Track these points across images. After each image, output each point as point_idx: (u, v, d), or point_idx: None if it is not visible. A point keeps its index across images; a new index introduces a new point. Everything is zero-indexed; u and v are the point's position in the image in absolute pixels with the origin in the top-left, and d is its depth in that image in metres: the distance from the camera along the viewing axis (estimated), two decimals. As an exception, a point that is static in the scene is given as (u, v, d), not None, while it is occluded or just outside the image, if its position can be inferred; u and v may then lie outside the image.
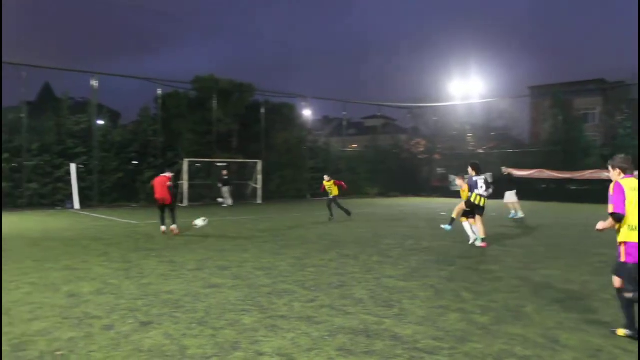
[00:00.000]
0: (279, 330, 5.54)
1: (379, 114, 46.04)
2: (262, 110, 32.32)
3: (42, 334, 5.43)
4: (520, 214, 18.37)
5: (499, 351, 4.94)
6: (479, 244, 11.84)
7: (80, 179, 25.48)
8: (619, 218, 5.25)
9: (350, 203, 22.23)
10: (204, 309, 6.39)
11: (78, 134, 26.52)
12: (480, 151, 37.47)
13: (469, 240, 12.25)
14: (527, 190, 30.28)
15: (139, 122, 30.11)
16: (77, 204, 24.82)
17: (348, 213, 18.48)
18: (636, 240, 5.16)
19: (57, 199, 25.21)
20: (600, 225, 5.52)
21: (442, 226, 12.40)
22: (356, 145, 45.88)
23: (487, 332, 5.50)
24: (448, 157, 38.76)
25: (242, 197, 30.49)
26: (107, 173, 26.84)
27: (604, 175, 24.21)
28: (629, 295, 5.24)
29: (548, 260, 9.90)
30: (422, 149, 41.38)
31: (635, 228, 5.19)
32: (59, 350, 4.94)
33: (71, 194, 25.01)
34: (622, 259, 5.29)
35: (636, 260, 5.16)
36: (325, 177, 18.70)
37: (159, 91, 29.14)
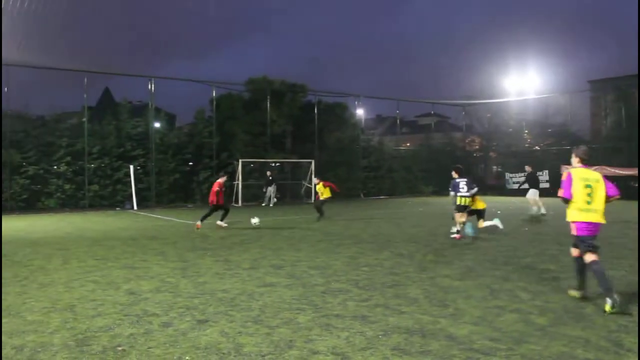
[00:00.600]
0: (334, 329, 5.55)
1: (432, 112, 45.50)
2: (315, 110, 32.47)
3: (104, 329, 5.61)
4: (543, 210, 18.74)
5: (558, 353, 4.79)
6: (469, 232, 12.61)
7: (138, 180, 26.20)
8: (565, 201, 6.49)
9: (405, 202, 22.11)
10: (259, 307, 6.47)
11: (136, 137, 27.30)
12: (537, 148, 36.50)
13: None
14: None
15: (194, 124, 30.70)
16: (135, 205, 25.55)
17: (319, 218, 18.41)
18: (584, 220, 6.37)
19: (116, 200, 26.04)
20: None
21: (464, 233, 12.70)
22: (409, 144, 45.45)
23: (545, 334, 5.36)
24: (504, 154, 37.89)
25: (296, 196, 30.70)
26: (164, 174, 27.47)
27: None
28: (592, 257, 6.33)
29: (610, 261, 9.44)
30: (477, 147, 40.59)
31: (584, 210, 6.35)
32: (120, 345, 5.09)
33: (130, 195, 25.73)
34: (575, 232, 6.50)
35: (587, 233, 6.38)
36: (315, 180, 18.84)
37: (213, 93, 29.67)
